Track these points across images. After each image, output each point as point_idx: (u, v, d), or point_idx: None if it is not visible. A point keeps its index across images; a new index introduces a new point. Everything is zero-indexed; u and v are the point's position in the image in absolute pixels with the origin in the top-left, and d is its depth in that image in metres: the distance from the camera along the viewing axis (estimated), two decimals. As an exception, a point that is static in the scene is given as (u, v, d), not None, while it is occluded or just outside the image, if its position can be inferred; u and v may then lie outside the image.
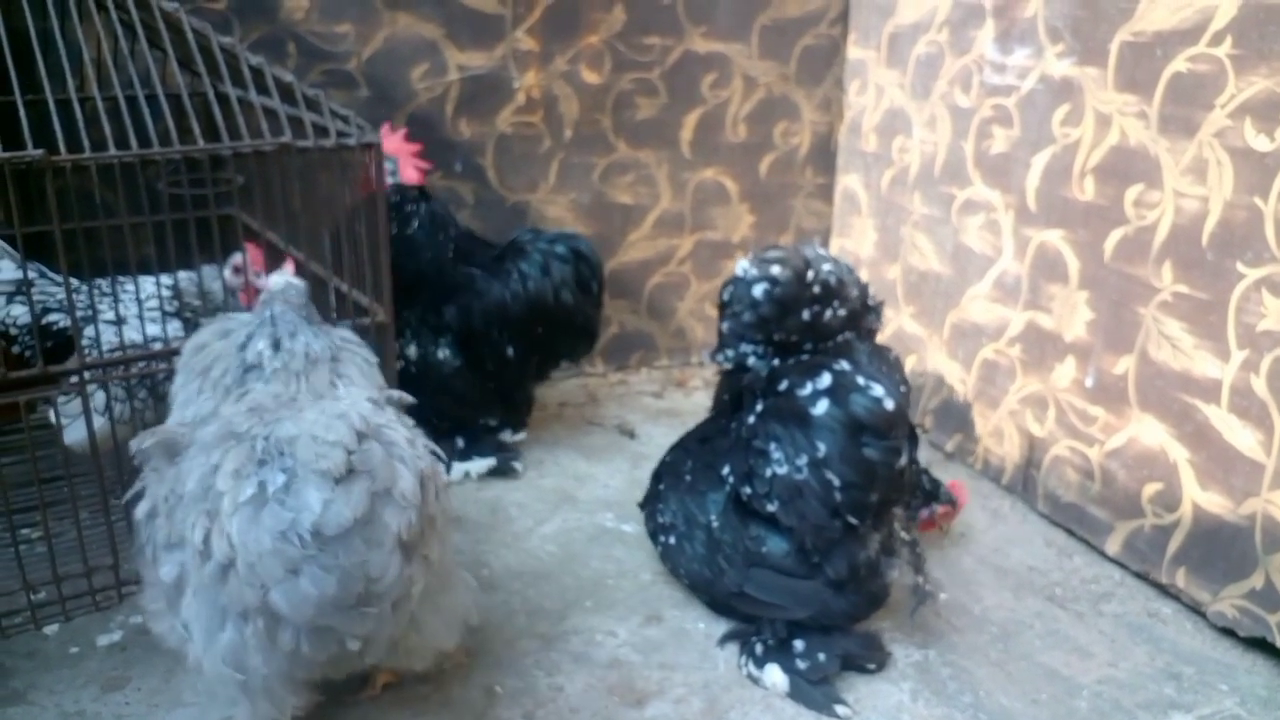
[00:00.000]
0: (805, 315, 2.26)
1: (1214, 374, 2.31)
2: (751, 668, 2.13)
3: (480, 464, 2.94)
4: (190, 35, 2.18)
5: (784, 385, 2.11)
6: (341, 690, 1.96)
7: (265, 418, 1.63)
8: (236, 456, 1.57)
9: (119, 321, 2.20)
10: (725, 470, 2.24)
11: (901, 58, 3.31)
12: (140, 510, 1.72)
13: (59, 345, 2.28)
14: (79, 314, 2.19)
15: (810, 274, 2.26)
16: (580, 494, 2.89)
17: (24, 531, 2.35)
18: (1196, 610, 2.40)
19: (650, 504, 2.44)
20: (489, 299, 2.94)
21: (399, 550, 1.57)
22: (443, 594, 1.85)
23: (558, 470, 3.03)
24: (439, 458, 1.79)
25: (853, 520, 2.05)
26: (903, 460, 2.05)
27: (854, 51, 3.59)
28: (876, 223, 3.53)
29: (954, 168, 3.09)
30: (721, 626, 2.28)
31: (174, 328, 2.33)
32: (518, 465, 2.98)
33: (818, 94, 3.66)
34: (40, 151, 1.85)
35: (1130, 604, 2.47)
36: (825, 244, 3.78)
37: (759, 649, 2.14)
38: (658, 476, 2.46)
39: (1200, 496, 2.36)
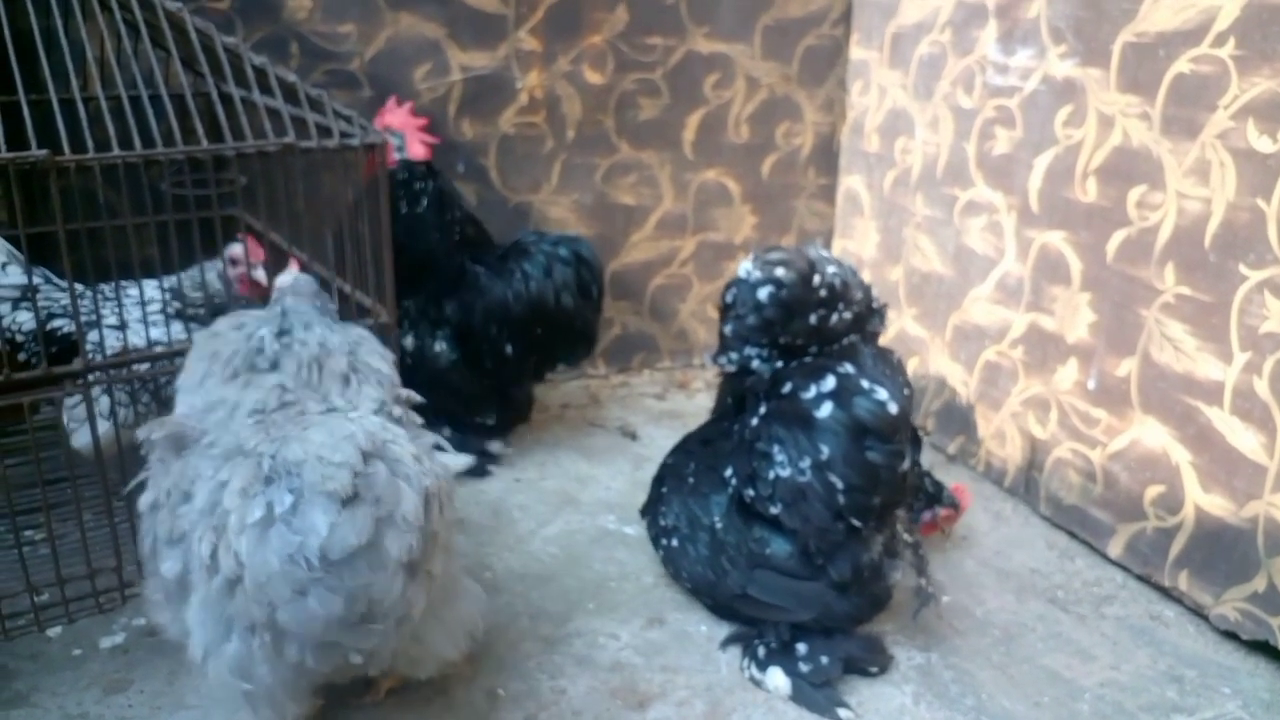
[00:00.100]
0: (811, 319, 2.25)
1: (1216, 376, 2.31)
2: (754, 670, 2.13)
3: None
4: (194, 35, 2.18)
5: (787, 388, 2.11)
6: (345, 694, 1.96)
7: (273, 433, 1.63)
8: (244, 474, 1.57)
9: (122, 326, 2.20)
10: (728, 472, 2.24)
11: (904, 58, 3.31)
12: (143, 501, 1.73)
13: (63, 351, 2.28)
14: (83, 318, 2.18)
15: (815, 277, 2.25)
16: (582, 496, 2.89)
17: (27, 533, 2.35)
18: (1199, 613, 2.40)
19: (652, 508, 2.44)
20: (491, 296, 2.95)
21: (402, 571, 1.57)
22: (446, 606, 1.85)
23: (560, 472, 3.03)
24: (445, 450, 1.80)
25: (856, 523, 2.05)
26: (906, 463, 2.05)
27: (856, 52, 3.59)
28: (879, 224, 3.52)
29: (956, 169, 3.09)
30: (723, 629, 2.28)
31: (176, 330, 2.32)
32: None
33: (820, 95, 3.66)
34: (44, 151, 1.85)
35: (1132, 607, 2.47)
36: (827, 245, 3.78)
37: (761, 652, 2.14)
38: (659, 480, 2.46)
39: (1202, 499, 2.36)
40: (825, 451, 2.02)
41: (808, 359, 2.25)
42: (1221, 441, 2.31)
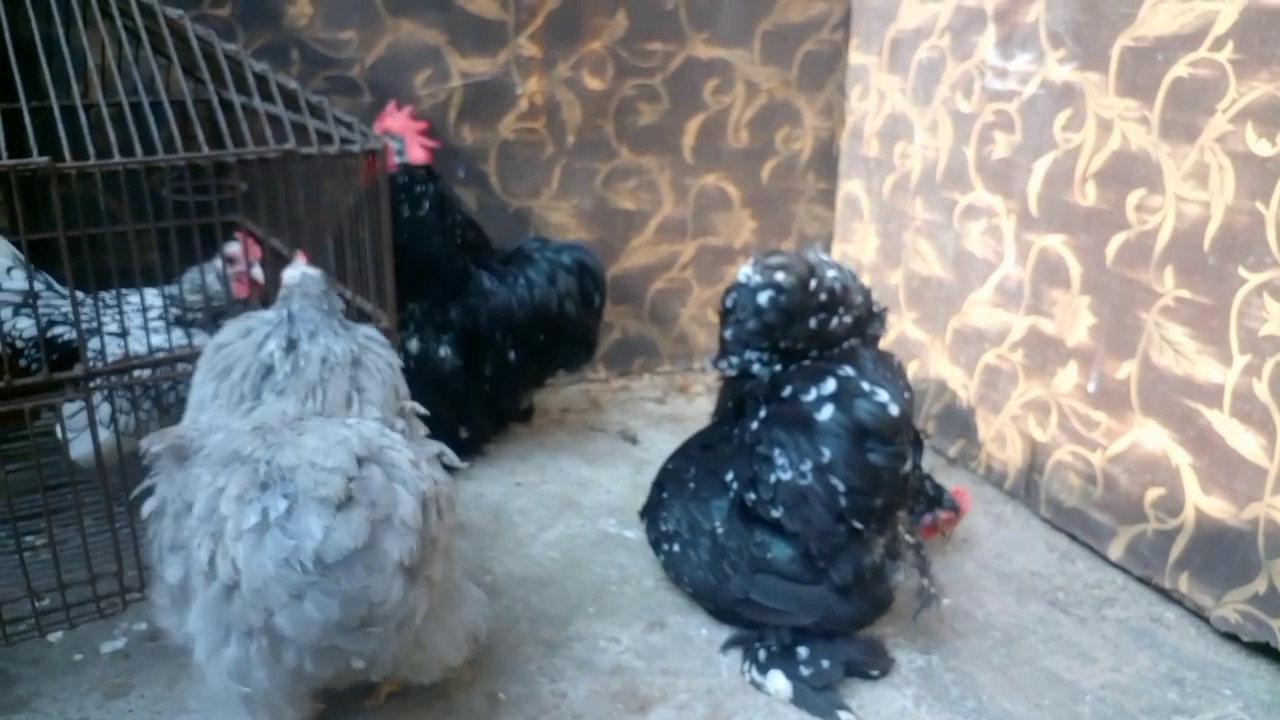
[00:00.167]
0: (812, 323, 2.25)
1: (1216, 379, 2.31)
2: (755, 674, 2.13)
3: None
4: (194, 42, 2.19)
5: (788, 391, 2.11)
6: (345, 699, 1.96)
7: (269, 439, 1.64)
8: (240, 480, 1.58)
9: (123, 334, 2.21)
10: (729, 476, 2.24)
11: (903, 63, 3.32)
12: (147, 507, 1.74)
13: (64, 357, 2.29)
14: (83, 325, 2.19)
15: (815, 281, 2.25)
16: (583, 500, 2.89)
17: (28, 538, 2.35)
18: (1199, 615, 2.40)
19: (652, 512, 2.44)
20: (495, 302, 2.97)
21: (401, 574, 1.58)
22: (448, 611, 1.85)
23: (560, 476, 3.03)
24: (450, 465, 1.80)
25: (857, 525, 2.05)
26: (907, 465, 2.05)
27: (856, 57, 3.59)
28: (878, 228, 3.53)
29: (956, 173, 3.10)
30: (724, 633, 2.28)
31: (177, 336, 2.33)
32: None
33: (819, 99, 3.67)
34: (45, 158, 1.86)
35: (1133, 609, 2.47)
36: (827, 249, 3.78)
37: (762, 655, 2.14)
38: (660, 485, 2.46)
39: (1203, 501, 2.37)
40: (827, 454, 2.02)
41: (808, 362, 2.25)
42: (1221, 444, 2.31)
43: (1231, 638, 2.32)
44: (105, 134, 1.97)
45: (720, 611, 2.30)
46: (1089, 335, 2.65)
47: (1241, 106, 2.21)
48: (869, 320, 2.40)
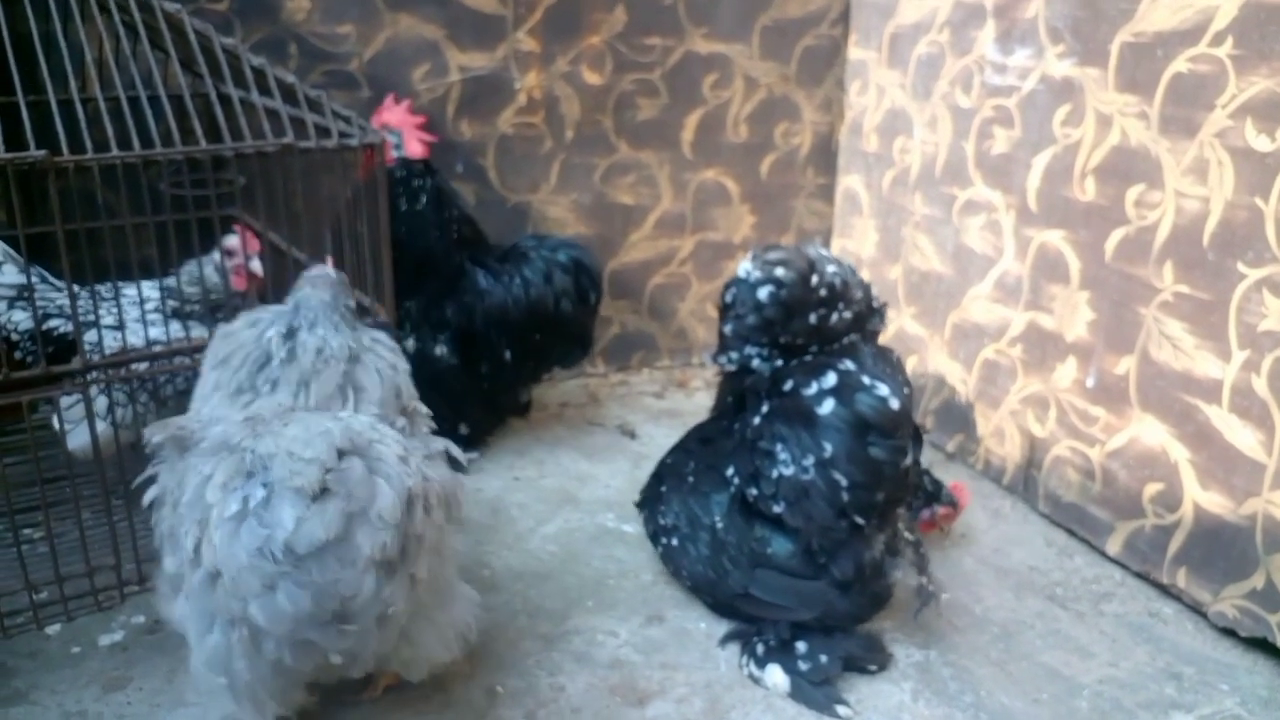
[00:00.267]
0: (812, 318, 2.25)
1: (1215, 374, 2.31)
2: (753, 668, 2.13)
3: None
4: (192, 36, 2.19)
5: (789, 385, 2.11)
6: (342, 691, 1.96)
7: (258, 429, 1.64)
8: (226, 469, 1.58)
9: (120, 326, 2.20)
10: (729, 471, 2.24)
11: (902, 58, 3.32)
12: (149, 496, 1.74)
13: (60, 350, 2.29)
14: (80, 318, 2.19)
15: (815, 276, 2.25)
16: (582, 494, 2.89)
17: (26, 531, 2.35)
18: (1197, 610, 2.40)
19: (651, 505, 2.44)
20: (491, 300, 2.96)
21: (374, 570, 1.55)
22: (439, 609, 1.83)
23: (559, 471, 3.03)
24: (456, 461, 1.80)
25: (859, 520, 2.05)
26: (908, 459, 2.05)
27: (855, 52, 3.59)
28: (878, 223, 3.53)
29: (955, 168, 3.10)
30: (723, 627, 2.28)
31: (174, 329, 2.33)
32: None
33: (819, 94, 3.67)
34: (43, 152, 1.86)
35: (1131, 604, 2.47)
36: (826, 244, 3.78)
37: (760, 649, 2.14)
38: (658, 478, 2.46)
39: (1201, 496, 2.37)
40: (828, 448, 2.02)
41: (808, 357, 2.25)
42: (1220, 439, 2.31)
43: (1229, 633, 2.32)
44: (103, 128, 1.96)
45: (719, 606, 2.31)
46: (1088, 330, 2.65)
47: (1241, 102, 2.21)
48: (869, 315, 2.40)
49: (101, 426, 2.14)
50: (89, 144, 1.93)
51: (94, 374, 2.11)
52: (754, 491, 2.16)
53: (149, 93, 2.07)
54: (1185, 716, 2.08)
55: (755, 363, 2.31)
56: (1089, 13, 2.58)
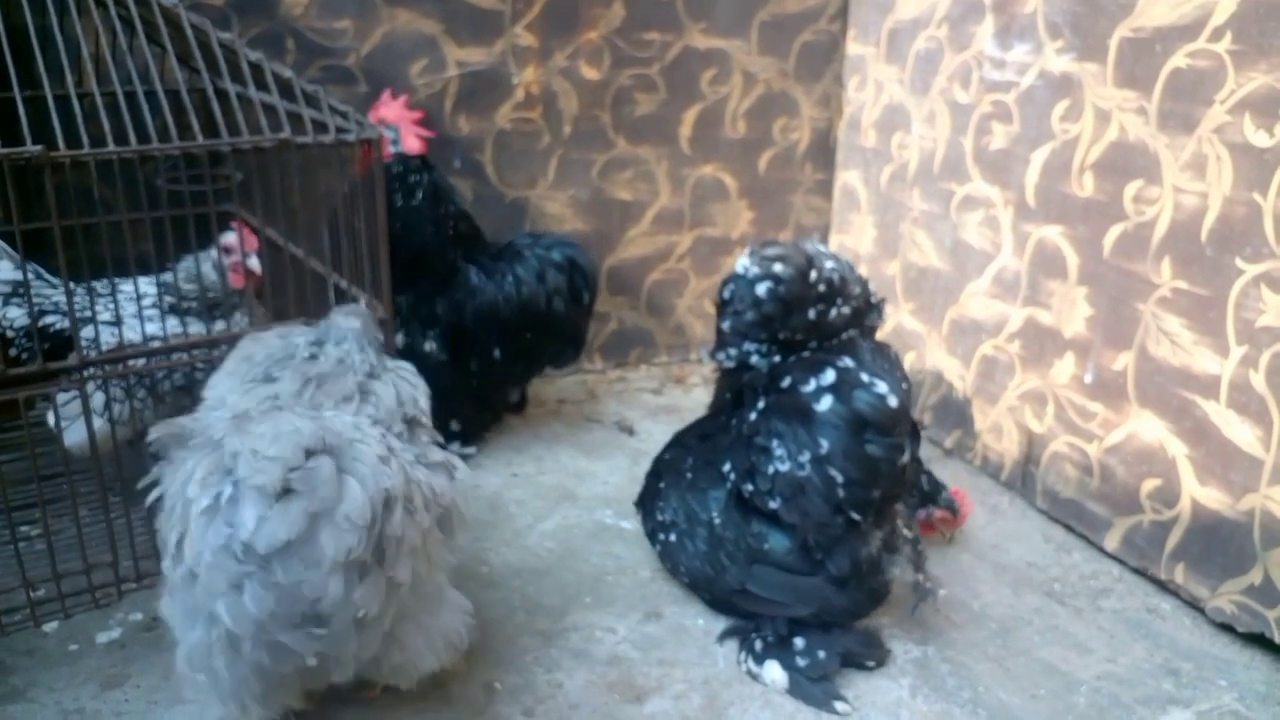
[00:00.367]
0: (810, 314, 2.25)
1: (1213, 370, 2.31)
2: (751, 664, 2.13)
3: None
4: (189, 31, 2.18)
5: (787, 382, 2.11)
6: (341, 689, 1.95)
7: (242, 426, 1.63)
8: (206, 465, 1.58)
9: (117, 322, 2.20)
10: (726, 467, 2.24)
11: (901, 53, 3.31)
12: (151, 497, 1.74)
13: (56, 347, 2.28)
14: (77, 315, 2.18)
15: (814, 272, 2.25)
16: (580, 490, 2.89)
17: (23, 529, 2.35)
18: (1195, 606, 2.40)
19: (649, 502, 2.44)
20: (482, 298, 2.95)
21: (341, 572, 1.52)
22: (427, 614, 1.80)
23: (557, 467, 3.03)
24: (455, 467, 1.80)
25: (855, 517, 2.05)
26: (905, 456, 2.05)
27: (853, 47, 3.59)
28: (876, 219, 3.53)
29: (953, 164, 3.09)
30: (721, 623, 2.28)
31: (172, 324, 2.32)
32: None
33: (817, 90, 3.66)
34: (39, 148, 1.85)
35: (1129, 600, 2.47)
36: (824, 240, 3.78)
37: (758, 645, 2.14)
38: (656, 474, 2.46)
39: (1199, 492, 2.37)
40: (825, 445, 2.02)
41: (806, 354, 2.24)
42: (1218, 435, 2.31)
43: (1227, 628, 2.32)
44: (99, 123, 1.95)
45: (717, 602, 2.31)
46: (1086, 326, 2.65)
47: (1240, 97, 2.21)
48: (867, 311, 2.39)
49: (99, 423, 2.14)
50: (85, 139, 1.92)
51: (91, 370, 2.11)
52: (750, 487, 2.15)
53: (146, 88, 2.06)
54: (1183, 712, 2.08)
55: (753, 359, 2.31)
56: (1088, 8, 2.58)
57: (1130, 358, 2.53)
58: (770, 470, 2.10)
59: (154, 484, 1.73)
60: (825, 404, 2.03)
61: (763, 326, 2.28)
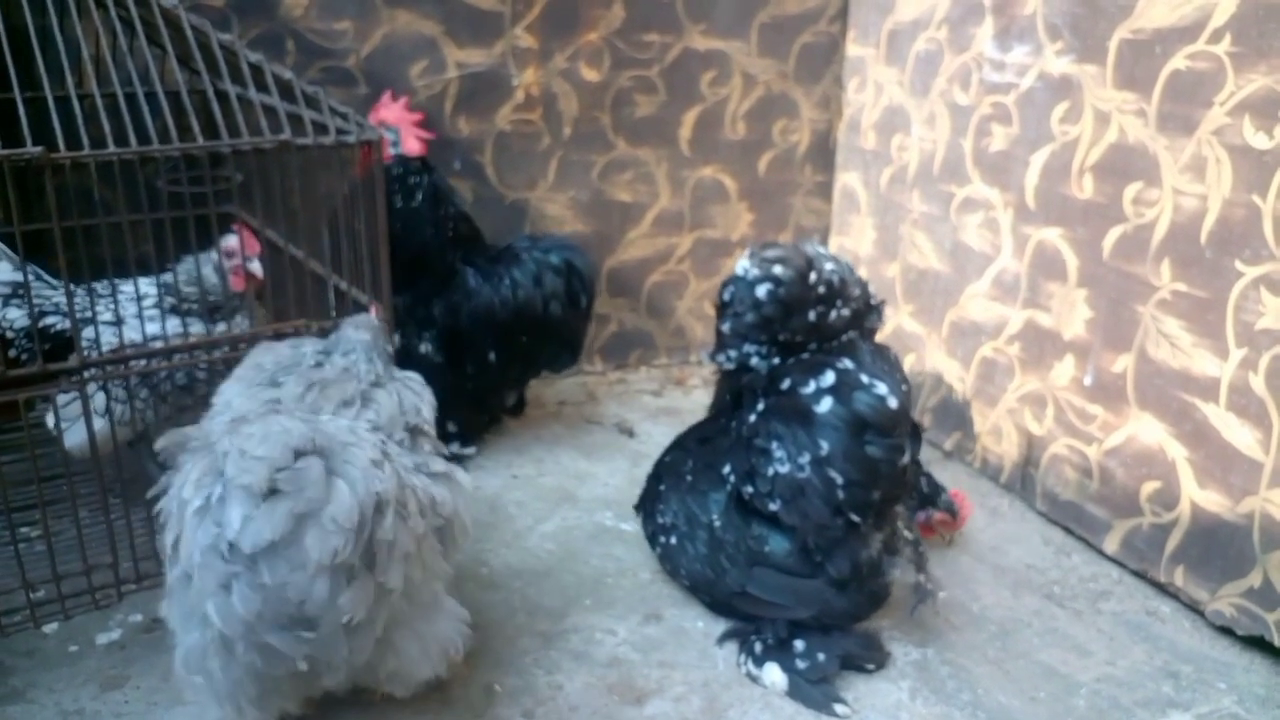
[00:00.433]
0: (811, 316, 2.25)
1: (1212, 372, 2.31)
2: (750, 666, 2.13)
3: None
4: (189, 32, 2.18)
5: (786, 383, 2.11)
6: (338, 693, 1.95)
7: (236, 427, 1.63)
8: (201, 465, 1.58)
9: (118, 322, 2.20)
10: (726, 469, 2.24)
11: (900, 55, 3.31)
12: (158, 506, 1.74)
13: (56, 348, 2.28)
14: (77, 316, 2.18)
15: (813, 274, 2.25)
16: (580, 492, 2.89)
17: (23, 530, 2.35)
18: (1194, 609, 2.40)
19: (649, 505, 2.44)
20: (478, 301, 2.94)
21: (327, 575, 1.51)
22: (423, 622, 1.79)
23: (557, 469, 3.03)
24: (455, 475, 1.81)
25: (855, 518, 2.05)
26: (905, 458, 2.05)
27: (853, 49, 3.59)
28: (875, 221, 3.53)
29: (953, 165, 3.09)
30: (720, 625, 2.28)
31: (173, 325, 2.32)
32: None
33: (817, 91, 3.66)
34: (39, 149, 1.85)
35: (1128, 602, 2.47)
36: (824, 242, 3.78)
37: (758, 648, 2.14)
38: (656, 477, 2.46)
39: (1198, 495, 2.37)
40: (825, 447, 2.02)
41: (806, 355, 2.24)
42: (1217, 437, 2.31)
43: (1226, 631, 2.32)
44: (100, 124, 1.96)
45: (717, 604, 2.30)
46: (1085, 328, 2.65)
47: (1239, 99, 2.21)
48: (866, 313, 2.40)
49: (99, 424, 2.14)
50: (86, 141, 1.92)
51: (92, 371, 2.10)
52: (750, 489, 2.15)
53: (146, 89, 2.06)
54: (1182, 715, 2.08)
55: (753, 361, 2.31)
56: (1087, 10, 2.58)
57: (1130, 360, 2.53)
58: (770, 472, 2.10)
59: (162, 493, 1.73)
60: (825, 406, 2.03)
61: (762, 328, 2.28)
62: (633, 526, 2.65)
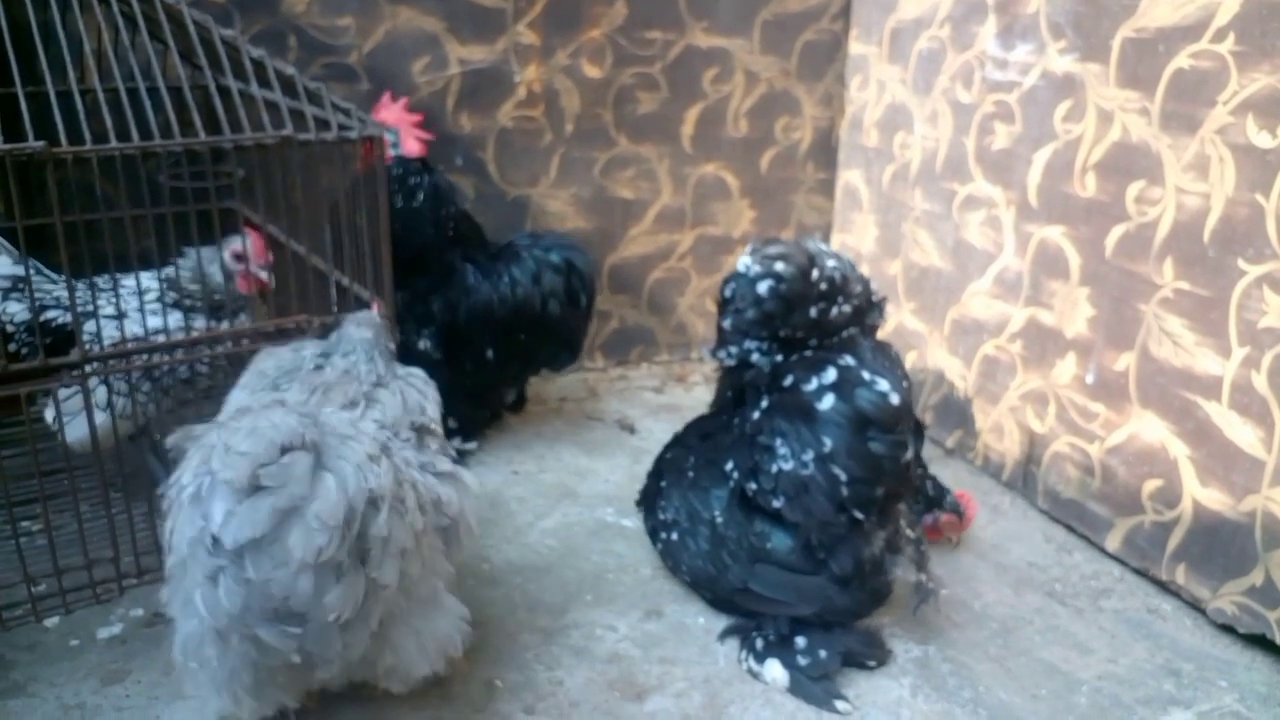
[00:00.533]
0: (812, 312, 2.25)
1: (1215, 371, 2.31)
2: (752, 663, 2.13)
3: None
4: (191, 27, 2.18)
5: (789, 380, 2.11)
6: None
7: (231, 421, 1.64)
8: (199, 457, 1.58)
9: (119, 316, 2.20)
10: (729, 466, 2.24)
11: (903, 53, 3.31)
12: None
13: (56, 342, 2.28)
14: (79, 310, 2.18)
15: (815, 270, 2.25)
16: (581, 489, 2.89)
17: (25, 524, 2.35)
18: (1196, 607, 2.40)
19: (650, 501, 2.44)
20: (476, 298, 2.93)
21: (311, 572, 1.49)
22: (421, 618, 1.78)
23: (558, 465, 3.03)
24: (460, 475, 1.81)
25: (858, 515, 2.05)
26: (908, 454, 2.05)
27: (855, 47, 3.58)
28: (878, 218, 3.52)
29: (955, 163, 3.09)
30: (721, 621, 2.28)
31: (175, 319, 2.32)
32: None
33: (819, 89, 3.66)
34: (41, 143, 1.85)
35: (1130, 600, 2.47)
36: (826, 239, 3.78)
37: (759, 644, 2.14)
38: (658, 473, 2.46)
39: (1200, 493, 2.37)
40: (828, 443, 2.02)
41: (807, 352, 2.24)
42: (1220, 436, 2.31)
43: (1228, 629, 2.32)
44: (101, 120, 1.95)
45: (718, 600, 2.30)
46: (1088, 327, 2.65)
47: (1242, 98, 2.21)
48: (868, 310, 2.39)
49: (100, 418, 2.14)
50: (87, 135, 1.92)
51: (93, 365, 2.11)
52: (753, 486, 2.15)
53: (148, 84, 2.06)
54: (1184, 713, 2.08)
55: (754, 357, 2.31)
56: (1090, 8, 2.57)
57: (1132, 358, 2.53)
58: (773, 469, 2.10)
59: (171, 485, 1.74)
60: (827, 402, 2.03)
61: (764, 325, 2.28)
62: (634, 522, 2.65)
